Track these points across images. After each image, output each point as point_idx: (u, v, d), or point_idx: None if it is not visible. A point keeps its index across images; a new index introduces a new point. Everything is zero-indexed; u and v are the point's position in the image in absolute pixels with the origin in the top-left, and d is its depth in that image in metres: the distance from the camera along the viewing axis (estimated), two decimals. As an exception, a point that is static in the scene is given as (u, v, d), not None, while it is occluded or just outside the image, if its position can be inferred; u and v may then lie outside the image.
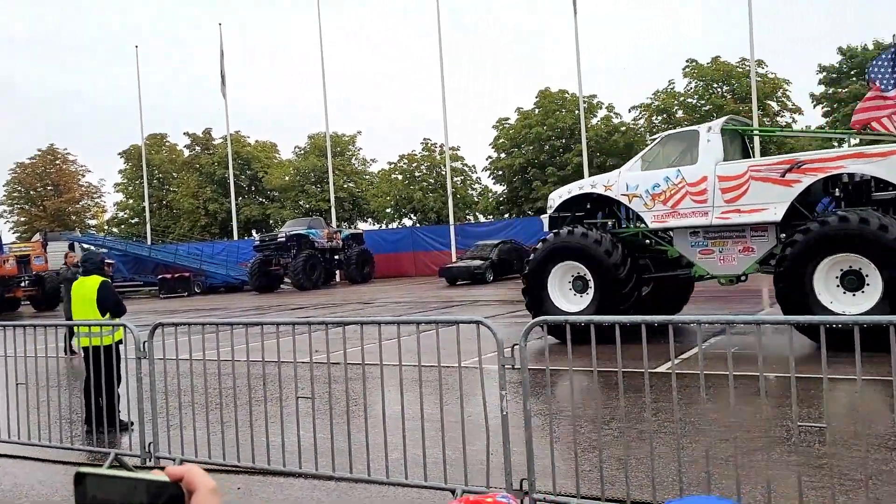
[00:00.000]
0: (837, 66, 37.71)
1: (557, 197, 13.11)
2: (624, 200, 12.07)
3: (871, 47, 36.68)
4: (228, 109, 42.85)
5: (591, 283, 11.45)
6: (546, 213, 13.38)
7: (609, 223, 12.69)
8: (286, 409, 5.69)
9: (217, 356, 5.87)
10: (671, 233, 11.78)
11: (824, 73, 38.13)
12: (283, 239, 33.73)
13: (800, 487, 3.94)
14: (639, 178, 11.86)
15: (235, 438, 5.62)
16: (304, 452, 5.34)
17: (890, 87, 11.78)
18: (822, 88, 38.36)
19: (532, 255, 12.39)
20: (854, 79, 36.96)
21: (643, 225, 11.88)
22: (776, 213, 10.49)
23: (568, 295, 11.79)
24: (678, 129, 13.74)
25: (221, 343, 6.83)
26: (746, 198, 10.71)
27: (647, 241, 12.23)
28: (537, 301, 11.79)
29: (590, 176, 34.75)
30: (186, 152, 54.62)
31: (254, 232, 51.03)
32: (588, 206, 12.98)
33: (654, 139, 12.57)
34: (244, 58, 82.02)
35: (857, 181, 10.50)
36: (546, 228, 12.97)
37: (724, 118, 12.64)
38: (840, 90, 37.43)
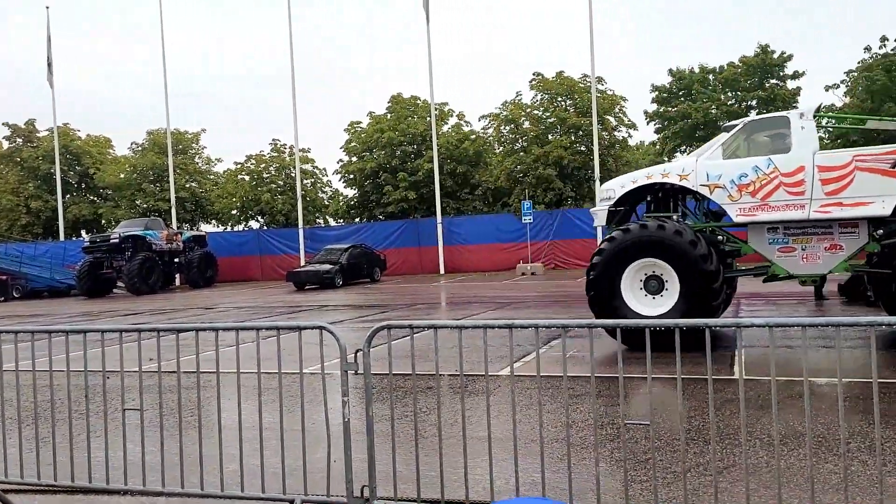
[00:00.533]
0: (668, 86, 40.75)
1: (619, 187, 11.62)
2: (704, 191, 10.88)
3: (696, 70, 40.05)
4: (56, 100, 39.75)
5: (670, 282, 10.23)
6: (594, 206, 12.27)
7: (674, 217, 11.39)
8: (112, 423, 5.30)
9: (32, 367, 5.36)
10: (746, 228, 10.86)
11: (656, 93, 41.07)
12: (117, 240, 31.63)
13: (626, 482, 4.17)
14: (722, 167, 10.72)
15: (53, 456, 5.17)
16: (131, 468, 5.00)
17: None
18: (654, 107, 41.31)
19: (596, 257, 10.68)
20: (682, 99, 40.14)
21: (725, 218, 10.90)
22: (885, 208, 9.68)
23: (641, 297, 10.42)
24: (763, 116, 12.34)
25: (39, 353, 6.26)
26: (850, 190, 9.87)
27: (720, 237, 11.28)
28: (610, 310, 10.32)
29: (440, 182, 35.58)
30: (6, 144, 49.91)
31: (83, 233, 47.48)
32: (647, 199, 11.99)
33: (735, 125, 11.36)
34: (76, 45, 76.24)
35: None
36: (602, 223, 11.75)
37: (815, 105, 11.32)
38: (670, 109, 40.50)
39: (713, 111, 38.24)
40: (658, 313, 10.10)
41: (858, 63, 34.21)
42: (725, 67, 38.93)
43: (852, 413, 6.26)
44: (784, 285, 13.21)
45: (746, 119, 11.87)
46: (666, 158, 39.62)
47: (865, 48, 33.89)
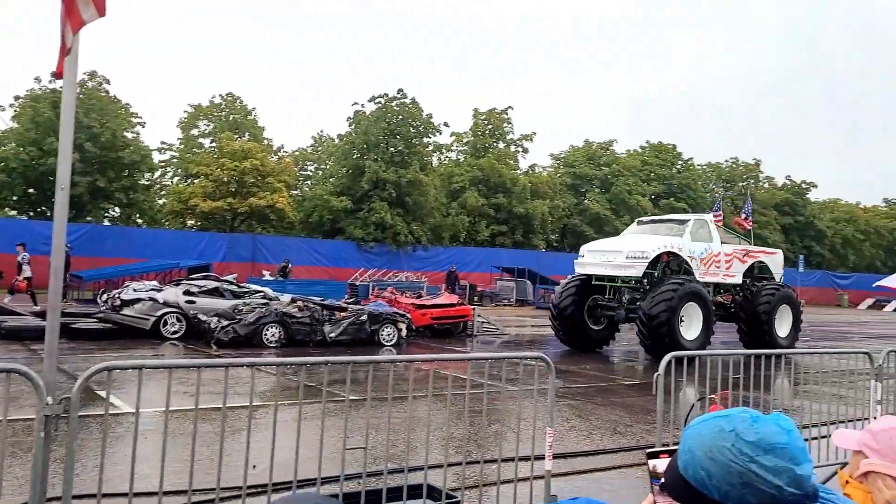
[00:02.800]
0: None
1: (652, 252, 16.59)
2: (688, 260, 17.17)
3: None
4: None
5: (695, 318, 15.95)
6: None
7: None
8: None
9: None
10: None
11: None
12: None
13: None
14: (693, 247, 17.35)
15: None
16: None
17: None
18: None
19: (664, 303, 15.31)
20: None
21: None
22: (739, 279, 18.44)
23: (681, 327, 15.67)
24: (701, 215, 19.21)
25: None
26: (728, 267, 18.06)
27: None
28: (667, 336, 14.93)
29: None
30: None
31: None
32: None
33: (688, 218, 18.43)
34: None
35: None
36: (639, 274, 16.59)
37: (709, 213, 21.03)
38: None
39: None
40: (692, 338, 15.57)
41: (27, 91, 33.38)
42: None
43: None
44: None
45: (698, 215, 18.98)
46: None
47: (36, 78, 33.32)
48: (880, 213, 62.54)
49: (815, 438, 6.55)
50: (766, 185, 57.20)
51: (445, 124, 39.01)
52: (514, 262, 37.85)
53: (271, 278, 28.49)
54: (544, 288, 35.45)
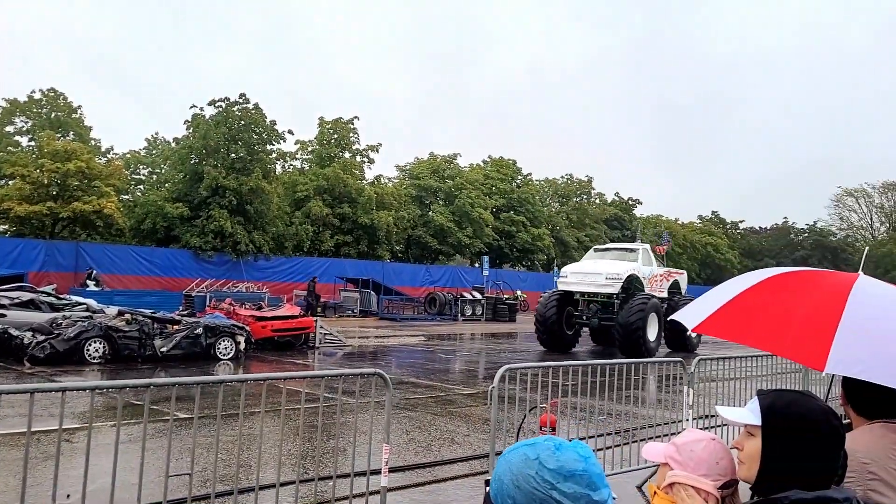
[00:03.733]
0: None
1: (625, 273, 21.82)
2: (644, 281, 22.63)
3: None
4: None
5: (658, 327, 20.97)
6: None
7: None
8: None
9: None
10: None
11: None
12: None
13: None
14: (645, 270, 22.95)
15: None
16: None
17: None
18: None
19: (639, 312, 20.10)
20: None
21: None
22: (665, 294, 24.10)
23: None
24: (644, 245, 24.95)
25: None
26: (661, 285, 24.01)
27: None
28: (641, 339, 19.90)
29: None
30: None
31: None
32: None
33: (637, 247, 24.28)
34: None
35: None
36: (616, 290, 21.53)
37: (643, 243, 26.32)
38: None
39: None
40: (653, 340, 20.58)
41: None
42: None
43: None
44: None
45: (643, 245, 24.71)
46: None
47: None
48: (696, 228, 68.43)
49: (636, 441, 7.00)
50: (598, 201, 60.89)
51: (290, 132, 38.22)
52: (358, 273, 37.68)
53: (97, 289, 26.54)
54: (388, 299, 35.56)
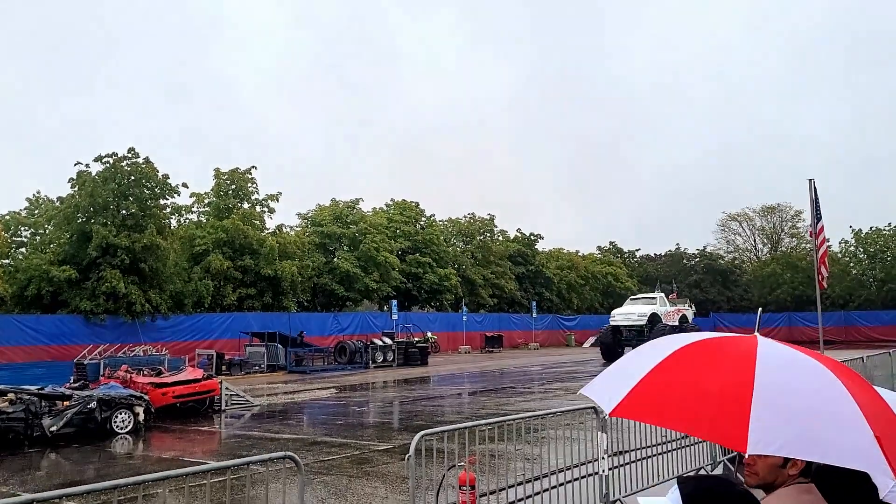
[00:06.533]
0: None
1: (648, 313, 38.19)
2: (661, 315, 38.68)
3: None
4: None
5: None
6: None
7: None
8: None
9: None
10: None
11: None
12: None
13: None
14: (661, 309, 39.60)
15: None
16: None
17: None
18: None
19: (656, 335, 24.84)
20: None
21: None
22: (677, 323, 39.15)
23: None
24: (661, 294, 41.55)
25: None
26: (673, 318, 39.73)
27: None
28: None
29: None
30: None
31: None
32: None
33: (658, 295, 41.22)
34: None
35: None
36: (644, 323, 37.45)
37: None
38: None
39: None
40: None
41: None
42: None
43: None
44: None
45: (660, 294, 42.11)
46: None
47: None
48: (596, 259, 70.56)
49: (555, 487, 6.96)
50: (501, 238, 61.93)
51: (184, 185, 37.04)
52: (264, 326, 36.59)
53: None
54: (295, 352, 34.71)
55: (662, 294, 41.68)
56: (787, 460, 2.36)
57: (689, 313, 41.74)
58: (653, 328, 35.68)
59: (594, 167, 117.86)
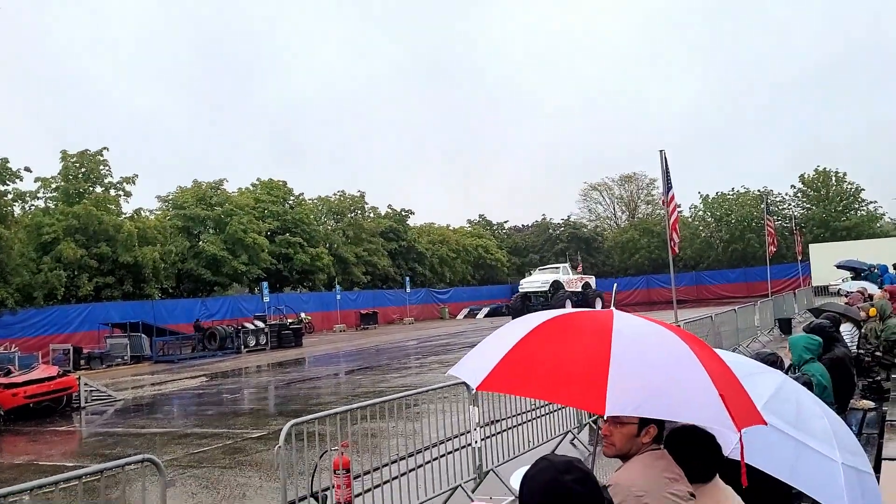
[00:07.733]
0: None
1: (551, 279, 43.88)
2: (564, 282, 44.74)
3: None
4: None
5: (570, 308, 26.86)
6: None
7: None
8: None
9: None
10: None
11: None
12: None
13: None
14: (563, 277, 45.39)
15: None
16: None
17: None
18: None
19: (557, 300, 40.31)
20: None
21: None
22: (579, 289, 46.25)
23: None
24: (564, 264, 49.13)
25: None
26: (575, 285, 46.16)
27: None
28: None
29: None
30: None
31: None
32: None
33: (561, 266, 48.33)
34: None
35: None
36: (545, 288, 43.39)
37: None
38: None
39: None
40: None
41: None
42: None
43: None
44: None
45: (563, 264, 49.15)
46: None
47: None
48: (466, 233, 71.72)
49: (430, 462, 7.04)
50: (372, 215, 61.60)
51: (27, 169, 34.22)
52: (125, 316, 34.63)
53: None
54: (163, 340, 33.16)
55: (567, 265, 47.57)
56: (640, 429, 2.47)
57: (592, 281, 47.55)
58: (555, 293, 40.93)
59: (465, 143, 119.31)
